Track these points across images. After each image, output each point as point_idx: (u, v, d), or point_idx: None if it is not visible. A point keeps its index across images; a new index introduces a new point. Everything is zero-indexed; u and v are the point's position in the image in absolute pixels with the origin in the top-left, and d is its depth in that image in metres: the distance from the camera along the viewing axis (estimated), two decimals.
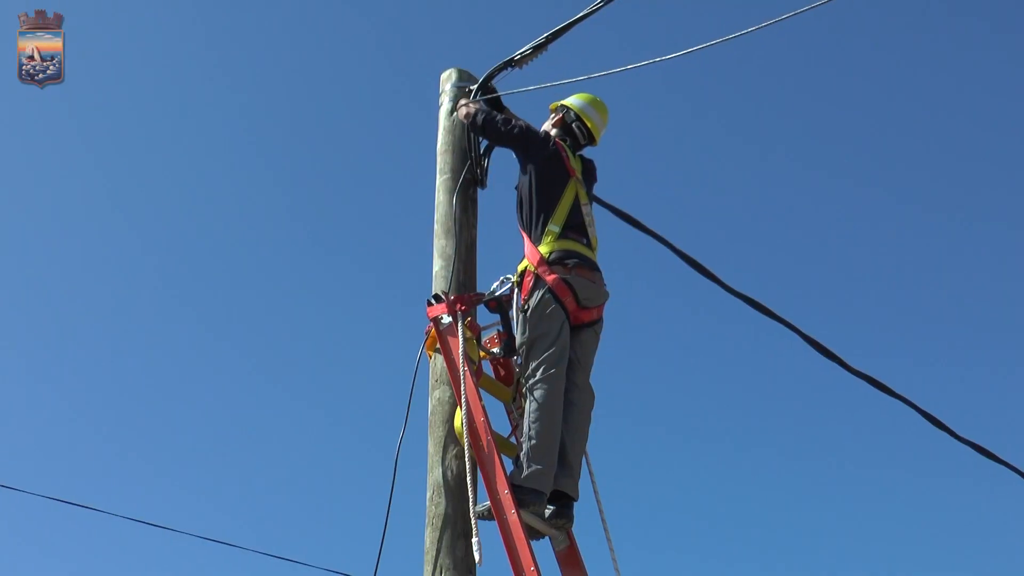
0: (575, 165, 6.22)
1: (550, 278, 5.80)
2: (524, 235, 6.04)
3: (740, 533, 18.24)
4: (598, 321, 5.98)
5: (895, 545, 18.17)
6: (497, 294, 5.95)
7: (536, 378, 5.69)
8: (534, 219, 5.99)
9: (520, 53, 6.34)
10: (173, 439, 18.76)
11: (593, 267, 5.94)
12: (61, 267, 19.32)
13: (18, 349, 18.88)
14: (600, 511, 5.85)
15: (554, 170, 6.08)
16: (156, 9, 18.80)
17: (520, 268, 5.97)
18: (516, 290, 5.94)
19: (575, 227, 5.99)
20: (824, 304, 19.34)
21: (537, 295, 5.80)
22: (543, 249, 5.88)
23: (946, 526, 18.40)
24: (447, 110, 6.56)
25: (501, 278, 6.00)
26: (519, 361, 5.98)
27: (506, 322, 6.00)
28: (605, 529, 5.79)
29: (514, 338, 5.97)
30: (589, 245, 6.02)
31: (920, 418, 6.61)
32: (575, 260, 5.87)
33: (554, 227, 5.93)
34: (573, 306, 5.84)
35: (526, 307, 5.82)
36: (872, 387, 6.58)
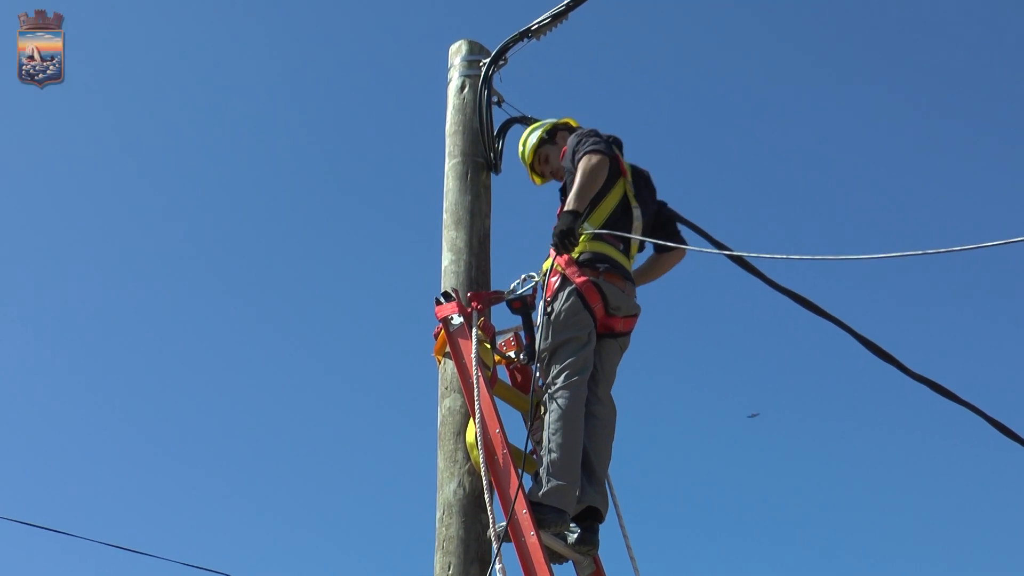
0: (627, 166, 5.96)
1: (579, 280, 5.54)
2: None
3: (789, 548, 17.74)
4: (624, 335, 5.73)
5: (964, 557, 17.60)
6: (519, 293, 5.67)
7: (557, 386, 5.44)
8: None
9: (537, 23, 6.09)
10: (126, 448, 18.52)
11: (625, 276, 5.69)
12: (61, 266, 19.25)
13: (15, 349, 18.77)
14: (624, 534, 5.58)
15: (613, 164, 5.80)
16: (156, 9, 18.77)
17: (545, 266, 5.69)
18: (540, 290, 5.65)
19: (614, 230, 5.70)
20: (880, 301, 18.77)
21: (563, 297, 5.54)
22: (578, 248, 5.61)
23: (1019, 538, 17.79)
24: (456, 87, 6.28)
25: (523, 276, 5.71)
26: (536, 368, 5.66)
27: (528, 325, 5.73)
28: (630, 554, 5.55)
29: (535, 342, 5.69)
30: (627, 252, 5.77)
31: (988, 426, 6.14)
32: (606, 265, 5.61)
33: (589, 227, 5.65)
34: (601, 313, 5.58)
35: (550, 309, 5.54)
36: (934, 392, 6.15)
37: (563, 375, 5.44)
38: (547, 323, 5.52)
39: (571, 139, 5.82)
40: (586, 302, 5.52)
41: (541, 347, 5.54)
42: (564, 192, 5.90)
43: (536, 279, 5.68)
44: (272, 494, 18.60)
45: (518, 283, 5.69)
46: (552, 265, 5.62)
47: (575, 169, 5.63)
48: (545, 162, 6.09)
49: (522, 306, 5.66)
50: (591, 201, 5.65)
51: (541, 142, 6.08)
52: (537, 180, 6.18)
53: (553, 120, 6.13)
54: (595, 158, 5.61)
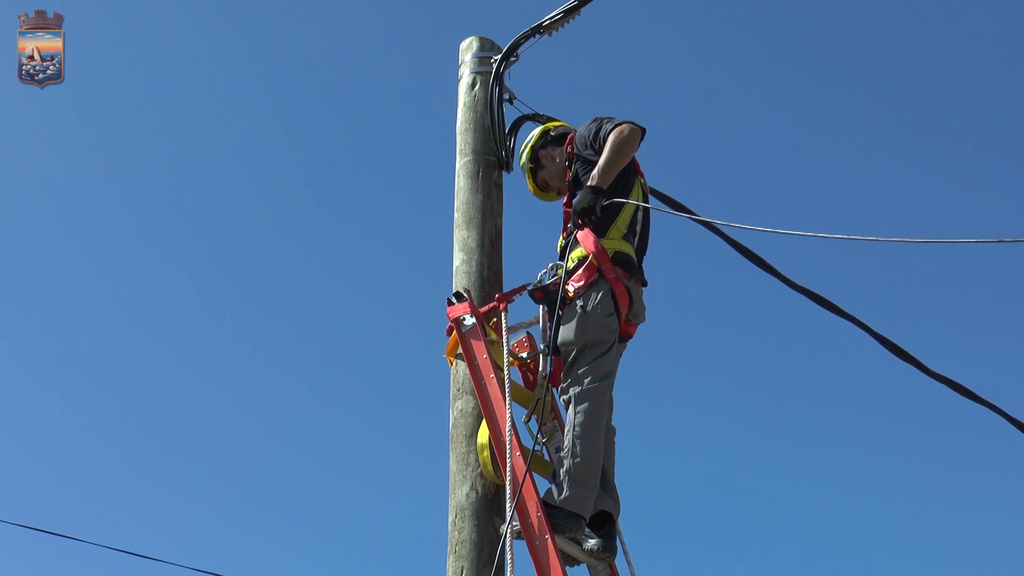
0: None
1: (615, 280, 5.40)
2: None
3: (801, 551, 17.60)
4: (630, 339, 5.65)
5: (983, 558, 17.44)
6: (544, 283, 5.48)
7: (583, 388, 5.30)
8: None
9: (549, 18, 6.03)
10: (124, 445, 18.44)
11: (643, 281, 5.58)
12: (61, 268, 19.18)
13: (15, 352, 18.72)
14: (622, 541, 5.46)
15: (629, 165, 5.67)
16: (156, 9, 18.69)
17: (576, 255, 5.49)
18: (564, 280, 5.45)
19: (631, 233, 5.60)
20: (898, 299, 18.56)
21: (597, 295, 5.38)
22: (609, 245, 5.46)
23: None
24: (467, 84, 6.21)
25: (551, 265, 5.53)
26: (550, 360, 5.57)
27: (556, 315, 5.52)
28: (627, 559, 5.45)
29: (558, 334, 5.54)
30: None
31: (1010, 427, 6.15)
32: (633, 268, 5.51)
33: (621, 225, 5.53)
34: (623, 318, 5.46)
35: (583, 303, 5.37)
36: (954, 392, 6.15)
37: (589, 378, 5.30)
38: (579, 318, 5.36)
39: (587, 125, 5.68)
40: (617, 306, 5.40)
41: (568, 341, 5.37)
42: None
43: (564, 268, 5.47)
44: (280, 498, 18.41)
45: (545, 273, 5.52)
46: (586, 256, 5.44)
47: (602, 144, 5.51)
48: (547, 187, 6.00)
49: (545, 296, 5.48)
50: (616, 206, 5.51)
51: (533, 173, 5.98)
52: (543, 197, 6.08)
53: (531, 142, 5.97)
54: (627, 129, 5.49)
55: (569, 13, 5.97)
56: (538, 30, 6.02)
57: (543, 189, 6.01)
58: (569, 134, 5.88)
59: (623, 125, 5.50)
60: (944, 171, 19.60)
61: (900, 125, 19.53)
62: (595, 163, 5.55)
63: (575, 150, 5.72)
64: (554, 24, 6.00)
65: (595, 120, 5.67)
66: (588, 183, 5.45)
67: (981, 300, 19.30)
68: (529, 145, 5.97)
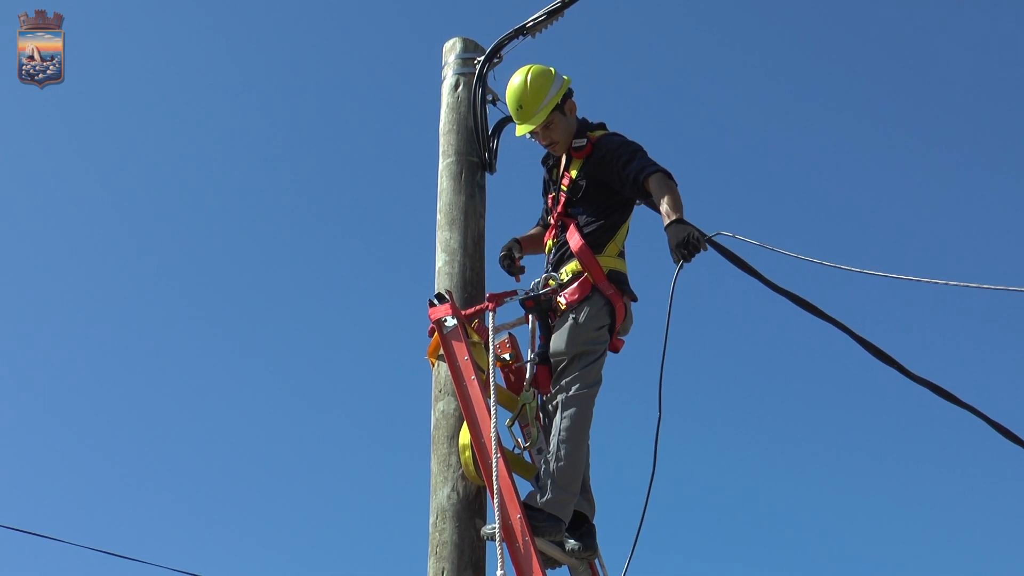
0: None
1: (612, 296, 5.45)
2: (576, 231, 5.54)
3: (785, 554, 17.64)
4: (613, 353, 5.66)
5: (963, 562, 17.48)
6: (537, 293, 5.51)
7: (571, 394, 5.35)
8: (599, 225, 5.56)
9: (532, 20, 6.02)
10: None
11: (634, 298, 5.61)
12: (60, 268, 19.14)
13: (14, 353, 18.69)
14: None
15: None
16: (156, 9, 18.68)
17: (570, 269, 5.52)
18: (559, 291, 5.48)
19: (624, 255, 5.64)
20: (880, 302, 18.57)
21: (591, 308, 5.42)
22: (605, 263, 5.50)
23: (1020, 542, 17.66)
24: (450, 85, 6.18)
25: (544, 275, 5.56)
26: (534, 368, 5.58)
27: (545, 325, 5.59)
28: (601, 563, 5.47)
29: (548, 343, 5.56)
30: None
31: (990, 430, 6.19)
32: (627, 287, 5.55)
33: (618, 243, 5.56)
34: (615, 333, 5.51)
35: (575, 316, 5.41)
36: (936, 395, 6.15)
37: (576, 385, 5.34)
38: (572, 328, 5.39)
39: (618, 143, 5.57)
40: (613, 321, 5.45)
41: (559, 351, 5.42)
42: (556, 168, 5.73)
43: (558, 280, 5.50)
44: (260, 498, 18.38)
45: (538, 282, 5.54)
46: (581, 272, 5.46)
47: (635, 179, 5.40)
48: (546, 126, 5.65)
49: (536, 306, 5.52)
50: (622, 218, 5.55)
51: (556, 107, 5.63)
52: (521, 130, 5.66)
53: (564, 79, 5.68)
54: (675, 184, 5.39)
55: (553, 15, 5.96)
56: (521, 31, 6.01)
57: (544, 128, 5.64)
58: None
59: (671, 178, 5.37)
60: (941, 170, 19.67)
61: (891, 123, 19.58)
62: (604, 183, 5.53)
63: (601, 153, 5.57)
64: (538, 25, 5.99)
65: (627, 144, 5.57)
66: (674, 219, 5.20)
67: (962, 303, 19.34)
68: (565, 86, 5.64)
